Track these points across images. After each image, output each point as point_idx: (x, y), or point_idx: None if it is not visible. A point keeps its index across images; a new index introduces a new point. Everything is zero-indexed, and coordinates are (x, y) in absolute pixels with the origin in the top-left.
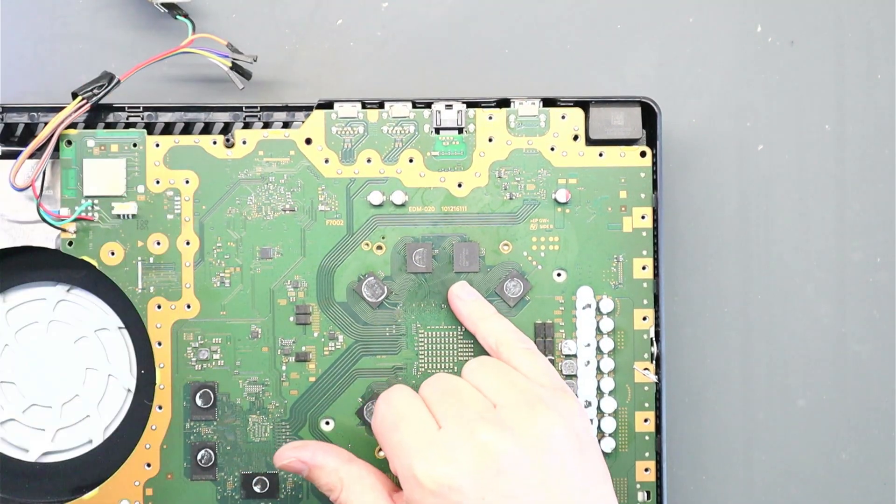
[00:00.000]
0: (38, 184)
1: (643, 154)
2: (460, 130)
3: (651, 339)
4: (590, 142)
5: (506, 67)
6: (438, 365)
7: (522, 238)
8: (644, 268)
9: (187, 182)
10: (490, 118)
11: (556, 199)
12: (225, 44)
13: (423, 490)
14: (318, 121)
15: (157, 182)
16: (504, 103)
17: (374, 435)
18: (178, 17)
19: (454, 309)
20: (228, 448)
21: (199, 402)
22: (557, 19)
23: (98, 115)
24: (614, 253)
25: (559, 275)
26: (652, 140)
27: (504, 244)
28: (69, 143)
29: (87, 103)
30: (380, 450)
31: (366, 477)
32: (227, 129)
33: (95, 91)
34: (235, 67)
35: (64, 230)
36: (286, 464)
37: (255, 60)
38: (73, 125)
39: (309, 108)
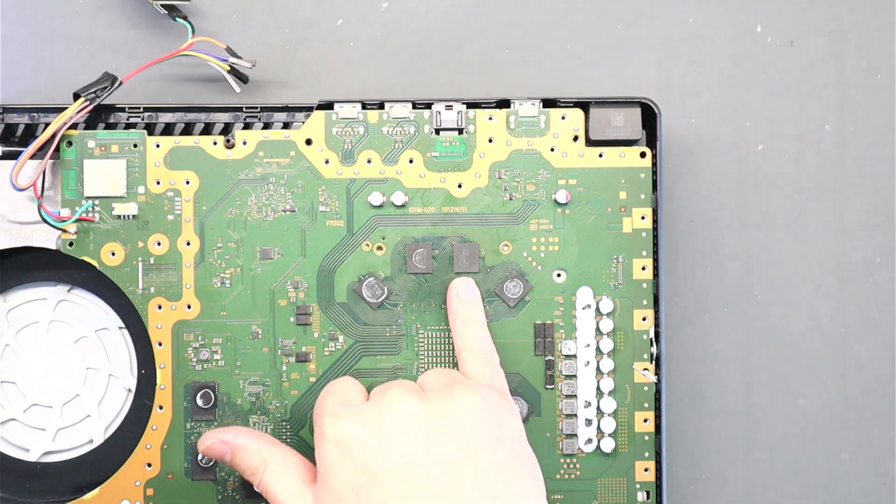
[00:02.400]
0: (39, 184)
1: (643, 155)
2: (460, 131)
3: (651, 339)
4: (590, 142)
5: (506, 67)
6: (438, 365)
7: (522, 238)
8: (644, 268)
9: (188, 182)
10: (490, 119)
11: (555, 200)
12: (224, 48)
13: (325, 442)
14: (319, 121)
15: (158, 182)
16: (504, 104)
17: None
18: (177, 19)
19: (447, 302)
20: None
21: (199, 402)
22: (557, 19)
23: (98, 116)
24: (614, 253)
25: (559, 275)
26: (652, 140)
27: (504, 245)
28: (69, 143)
29: (89, 104)
30: None
31: (288, 459)
32: (227, 129)
33: (98, 93)
34: (233, 71)
35: (65, 231)
36: (208, 446)
37: (253, 66)
38: (73, 126)
39: (309, 109)
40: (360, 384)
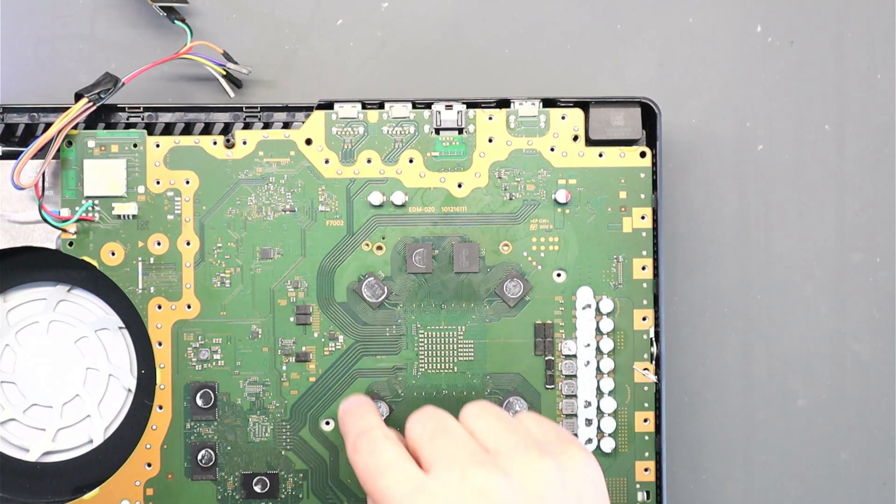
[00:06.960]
0: (40, 183)
1: (643, 154)
2: (460, 131)
3: (651, 339)
4: (590, 142)
5: (506, 67)
6: (438, 365)
7: (522, 238)
8: (644, 268)
9: (188, 182)
10: (490, 118)
11: (555, 200)
12: (221, 52)
13: (464, 488)
14: (319, 121)
15: (158, 182)
16: (504, 103)
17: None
18: (175, 21)
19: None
20: (229, 448)
21: (199, 402)
22: (557, 19)
23: (98, 116)
24: (614, 253)
25: (559, 275)
26: (652, 140)
27: (504, 244)
28: (70, 143)
29: (92, 105)
30: None
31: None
32: (227, 129)
33: (101, 93)
34: (228, 76)
35: (65, 231)
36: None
37: (249, 72)
38: (73, 126)
39: (309, 109)
40: (396, 441)
